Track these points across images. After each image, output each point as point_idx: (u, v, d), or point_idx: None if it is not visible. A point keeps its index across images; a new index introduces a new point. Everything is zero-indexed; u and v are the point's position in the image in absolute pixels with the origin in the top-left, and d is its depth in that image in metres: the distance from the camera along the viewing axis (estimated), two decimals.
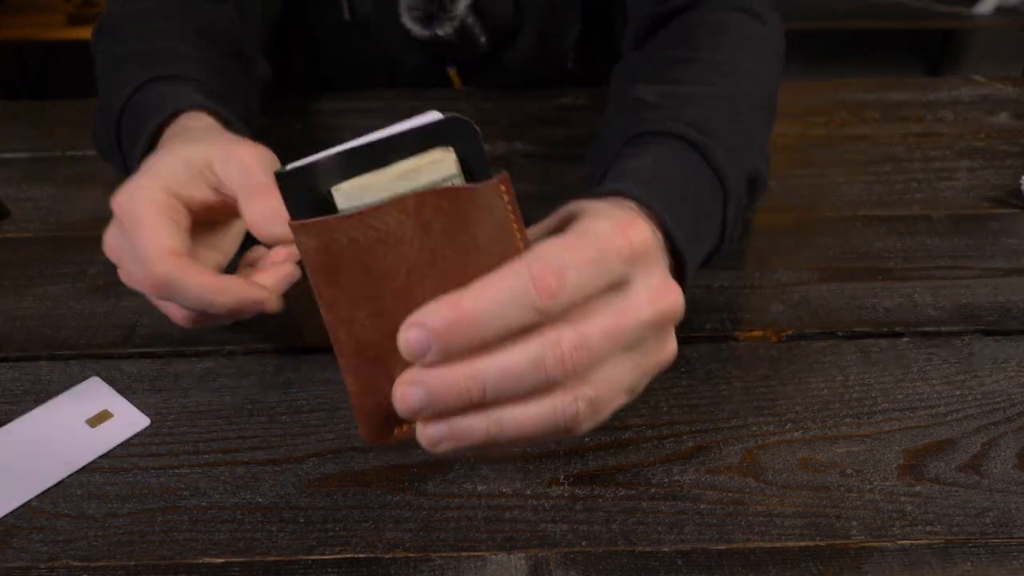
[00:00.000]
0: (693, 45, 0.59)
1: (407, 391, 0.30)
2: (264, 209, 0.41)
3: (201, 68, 0.56)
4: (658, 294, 0.34)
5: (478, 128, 0.31)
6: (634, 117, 0.51)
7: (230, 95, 0.57)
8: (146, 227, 0.41)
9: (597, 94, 0.79)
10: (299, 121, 0.73)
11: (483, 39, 0.76)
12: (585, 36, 0.79)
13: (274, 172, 0.30)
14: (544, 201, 0.65)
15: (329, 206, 0.30)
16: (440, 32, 0.75)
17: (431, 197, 0.30)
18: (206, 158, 0.44)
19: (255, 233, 0.42)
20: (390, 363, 0.31)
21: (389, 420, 0.33)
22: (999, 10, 2.17)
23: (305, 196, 0.30)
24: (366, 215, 0.29)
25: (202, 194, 0.43)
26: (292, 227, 0.30)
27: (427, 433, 0.31)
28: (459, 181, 0.30)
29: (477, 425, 0.31)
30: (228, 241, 0.47)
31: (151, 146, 0.49)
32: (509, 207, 0.31)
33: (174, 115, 0.49)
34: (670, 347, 0.36)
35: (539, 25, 0.78)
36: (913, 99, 0.78)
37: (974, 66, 2.46)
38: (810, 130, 0.73)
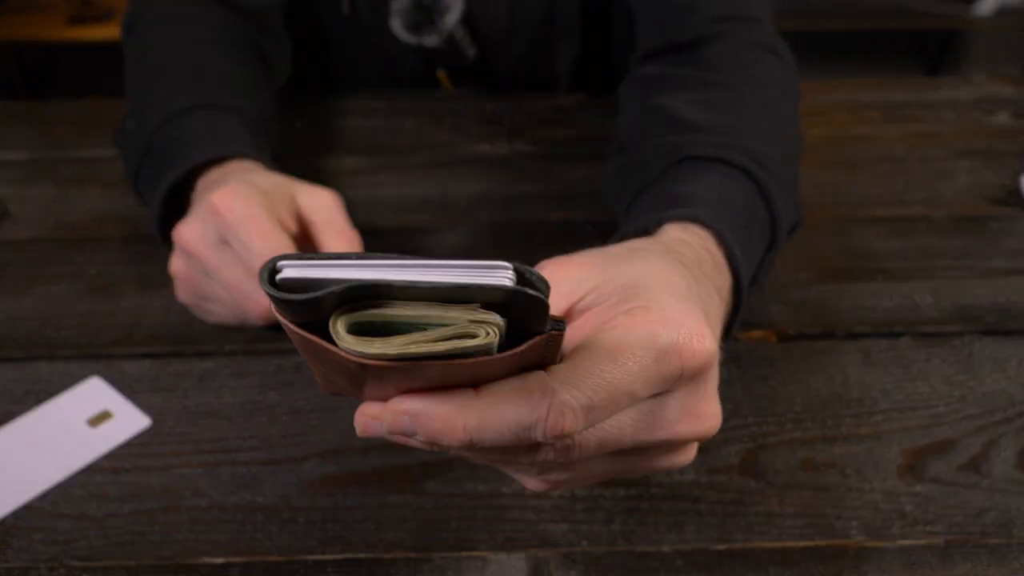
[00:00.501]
0: (725, 75, 0.57)
1: (368, 424, 0.27)
2: (349, 248, 0.47)
3: (239, 91, 0.58)
4: (691, 417, 0.30)
5: (548, 302, 0.24)
6: (679, 136, 0.49)
7: (264, 112, 0.60)
8: (259, 224, 0.43)
9: (597, 95, 0.79)
10: (299, 120, 0.73)
11: (472, 51, 0.76)
12: (582, 54, 0.79)
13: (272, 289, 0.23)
14: (545, 201, 0.65)
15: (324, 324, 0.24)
16: (427, 43, 0.75)
17: (461, 362, 0.24)
18: (289, 186, 0.48)
19: None
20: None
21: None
22: (999, 10, 2.17)
23: (293, 308, 0.23)
24: (400, 367, 0.24)
25: (286, 216, 0.47)
26: (285, 326, 0.24)
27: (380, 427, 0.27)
28: (495, 344, 0.24)
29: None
30: None
31: (188, 179, 0.51)
32: (547, 353, 0.27)
33: (221, 159, 0.51)
34: (684, 459, 0.33)
35: (531, 45, 0.78)
36: (913, 99, 0.78)
37: (974, 66, 2.46)
38: (810, 130, 0.73)
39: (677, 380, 0.29)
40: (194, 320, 0.53)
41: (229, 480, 0.43)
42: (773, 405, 0.47)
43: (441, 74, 0.83)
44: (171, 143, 0.53)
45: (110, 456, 0.44)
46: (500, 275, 0.23)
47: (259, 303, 0.45)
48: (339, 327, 0.23)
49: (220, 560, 0.39)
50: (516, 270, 0.23)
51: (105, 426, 0.46)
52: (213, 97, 0.55)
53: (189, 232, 0.46)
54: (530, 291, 0.23)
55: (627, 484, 0.42)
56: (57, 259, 0.59)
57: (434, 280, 0.23)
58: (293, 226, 0.47)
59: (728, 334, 0.40)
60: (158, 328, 0.52)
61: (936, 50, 2.51)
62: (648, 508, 0.41)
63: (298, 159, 0.63)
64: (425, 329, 0.24)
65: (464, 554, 0.39)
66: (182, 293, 0.49)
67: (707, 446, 0.44)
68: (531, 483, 0.32)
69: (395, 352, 0.23)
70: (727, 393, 0.47)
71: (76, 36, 2.21)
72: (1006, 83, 0.80)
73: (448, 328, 0.24)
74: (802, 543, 0.40)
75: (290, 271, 0.23)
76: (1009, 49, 2.45)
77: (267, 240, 0.43)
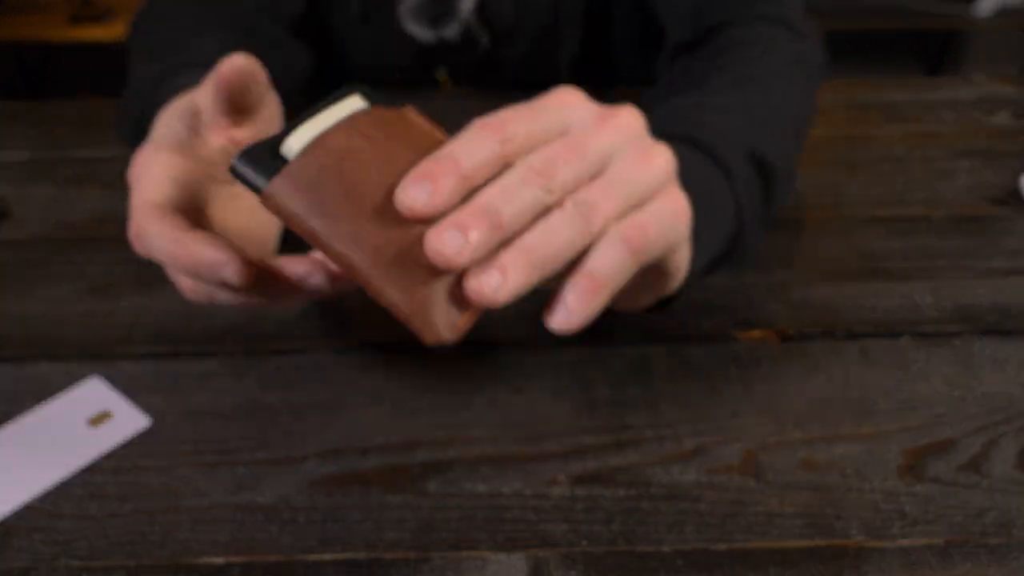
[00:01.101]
0: (720, 60, 0.59)
1: (441, 235, 0.31)
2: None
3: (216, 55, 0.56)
4: (610, 113, 0.35)
5: (369, 88, 0.35)
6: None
7: None
8: (136, 190, 0.41)
9: (597, 95, 0.79)
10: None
11: (484, 40, 0.76)
12: (582, 53, 0.79)
13: (229, 168, 0.32)
14: None
15: (284, 161, 0.32)
16: (447, 34, 0.75)
17: (362, 118, 0.33)
18: (190, 99, 0.43)
19: (217, 81, 0.40)
20: (411, 254, 0.31)
21: (447, 313, 0.32)
22: (999, 10, 2.17)
23: (260, 169, 0.32)
24: (323, 139, 0.32)
25: (198, 129, 0.43)
26: (266, 195, 0.32)
27: (483, 282, 0.31)
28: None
29: (514, 257, 0.32)
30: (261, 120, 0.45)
31: None
32: (430, 123, 0.35)
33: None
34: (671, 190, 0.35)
35: (536, 35, 0.78)
36: (913, 99, 0.78)
37: (974, 66, 2.46)
38: (810, 130, 0.73)
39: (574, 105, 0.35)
40: (194, 320, 0.53)
41: (229, 480, 0.43)
42: (773, 405, 0.47)
43: (441, 75, 0.83)
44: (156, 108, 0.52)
45: (110, 456, 0.44)
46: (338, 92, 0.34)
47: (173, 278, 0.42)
48: (288, 150, 0.32)
49: (220, 560, 0.39)
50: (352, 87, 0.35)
51: (105, 426, 0.46)
52: (192, 60, 0.53)
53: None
54: (354, 85, 0.35)
55: (627, 484, 0.42)
56: (57, 259, 0.59)
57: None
58: (213, 128, 0.43)
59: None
60: (158, 328, 0.52)
61: (936, 50, 2.52)
62: (648, 508, 0.41)
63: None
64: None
65: (464, 554, 0.39)
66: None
67: (707, 446, 0.44)
68: (573, 224, 0.33)
69: (328, 127, 0.32)
70: (727, 393, 0.47)
71: (76, 36, 2.21)
72: (1006, 83, 0.80)
73: (336, 110, 0.34)
74: (802, 543, 0.40)
75: (236, 156, 0.32)
76: (1009, 49, 2.46)
77: (136, 198, 0.41)
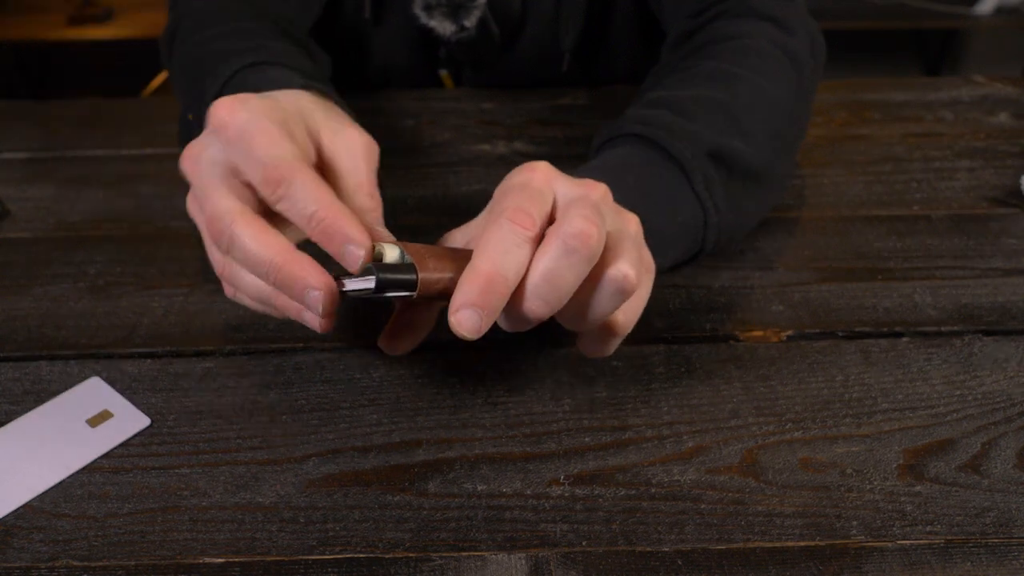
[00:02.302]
0: (699, 54, 0.60)
1: (459, 316, 0.37)
2: (368, 204, 0.43)
3: (296, 57, 0.56)
4: (585, 185, 0.40)
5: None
6: (607, 125, 0.54)
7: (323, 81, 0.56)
8: (265, 133, 0.39)
9: (597, 95, 0.79)
10: None
11: (496, 32, 0.77)
12: (584, 38, 0.79)
13: (376, 285, 0.38)
14: None
15: (408, 267, 0.39)
16: (467, 23, 0.75)
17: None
18: (313, 114, 0.43)
19: (348, 229, 0.39)
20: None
21: None
22: (999, 10, 2.17)
23: (401, 272, 0.39)
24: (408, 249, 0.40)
25: (304, 142, 0.42)
26: (423, 287, 0.39)
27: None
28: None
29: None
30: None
31: None
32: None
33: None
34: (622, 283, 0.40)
35: (540, 24, 0.78)
36: (913, 99, 0.78)
37: (974, 66, 2.46)
38: (810, 130, 0.73)
39: (547, 181, 0.40)
40: (194, 320, 0.53)
41: (229, 480, 0.43)
42: (773, 405, 0.47)
43: (443, 74, 0.83)
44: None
45: (110, 456, 0.44)
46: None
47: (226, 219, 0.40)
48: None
49: (220, 560, 0.39)
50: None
51: (105, 426, 0.46)
52: (269, 58, 0.54)
53: (188, 149, 0.42)
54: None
55: (627, 484, 0.42)
56: (57, 259, 0.59)
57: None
58: (309, 153, 0.42)
59: None
60: (158, 328, 0.52)
61: (936, 50, 2.52)
62: (648, 508, 0.41)
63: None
64: None
65: (464, 554, 0.39)
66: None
67: (707, 446, 0.44)
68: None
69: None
70: (727, 393, 0.47)
71: (76, 36, 2.21)
72: (1006, 83, 0.80)
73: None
74: (802, 543, 0.40)
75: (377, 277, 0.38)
76: (1009, 49, 2.46)
77: (273, 148, 0.39)
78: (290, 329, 0.52)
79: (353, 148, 0.44)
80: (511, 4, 0.76)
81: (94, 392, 0.48)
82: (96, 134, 0.74)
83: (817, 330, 0.52)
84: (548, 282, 0.37)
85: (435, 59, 0.81)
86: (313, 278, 0.38)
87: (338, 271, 0.40)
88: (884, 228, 0.61)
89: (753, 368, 0.49)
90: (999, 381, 0.48)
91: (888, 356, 0.50)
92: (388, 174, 0.68)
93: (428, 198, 0.64)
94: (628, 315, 0.42)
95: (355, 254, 0.39)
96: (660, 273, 0.46)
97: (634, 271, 0.39)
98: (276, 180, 0.39)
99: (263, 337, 0.51)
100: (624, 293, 0.39)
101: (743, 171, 0.52)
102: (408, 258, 0.39)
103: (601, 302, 0.39)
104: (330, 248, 0.39)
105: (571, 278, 0.37)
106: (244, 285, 0.42)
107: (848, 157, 0.69)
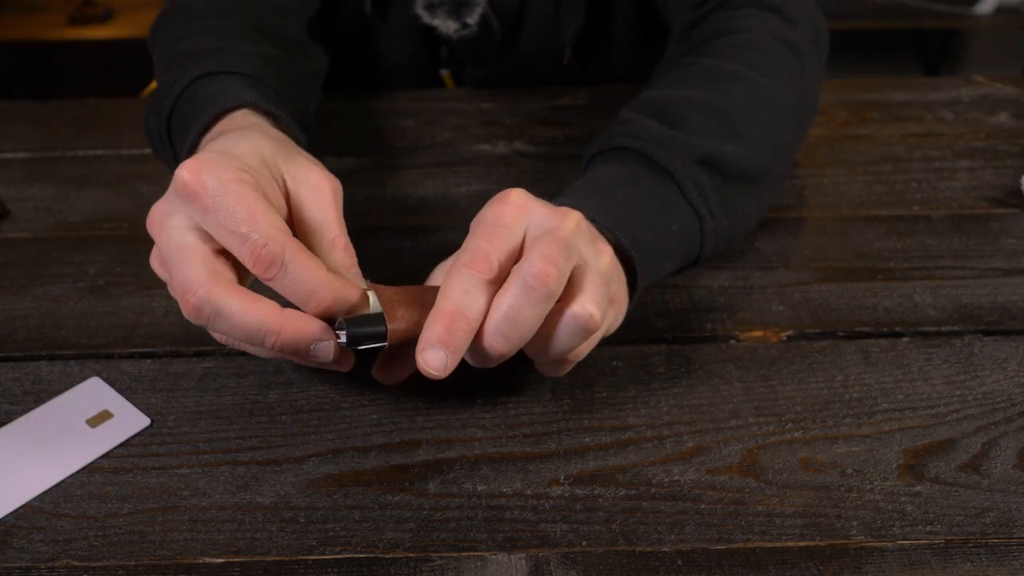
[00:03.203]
0: (700, 49, 0.59)
1: (425, 355, 0.39)
2: (340, 262, 0.42)
3: (255, 63, 0.55)
4: (559, 215, 0.41)
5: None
6: (598, 137, 0.54)
7: (285, 88, 0.56)
8: (241, 202, 0.38)
9: (597, 94, 0.79)
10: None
11: (497, 28, 0.77)
12: (585, 32, 0.79)
13: (345, 342, 0.40)
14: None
15: (377, 318, 0.41)
16: (469, 20, 0.75)
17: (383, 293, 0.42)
18: (277, 163, 0.42)
19: (320, 283, 0.39)
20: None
21: None
22: (999, 10, 2.17)
23: (371, 327, 0.40)
24: (383, 296, 0.42)
25: (277, 199, 0.41)
26: (393, 338, 0.40)
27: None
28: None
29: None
30: None
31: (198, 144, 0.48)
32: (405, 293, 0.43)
33: (223, 113, 0.48)
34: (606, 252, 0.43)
35: (539, 19, 0.78)
36: (913, 99, 0.78)
37: (974, 66, 2.46)
38: (810, 130, 0.73)
39: (514, 216, 0.40)
40: None
41: (229, 480, 0.43)
42: (773, 405, 0.47)
43: (445, 74, 0.83)
44: (182, 117, 0.51)
45: (110, 456, 0.44)
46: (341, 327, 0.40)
47: (192, 289, 0.39)
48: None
49: (220, 560, 0.39)
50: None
51: (105, 426, 0.46)
52: (220, 67, 0.53)
53: (153, 212, 0.41)
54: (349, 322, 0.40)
55: (627, 484, 0.42)
56: (57, 259, 0.59)
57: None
58: (282, 208, 0.42)
59: (634, 289, 0.47)
60: (158, 328, 0.52)
61: (936, 50, 2.52)
62: (648, 508, 0.41)
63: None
64: None
65: (464, 554, 0.39)
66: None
67: (707, 446, 0.44)
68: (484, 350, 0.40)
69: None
70: (727, 393, 0.47)
71: (76, 36, 2.21)
72: (1006, 83, 0.80)
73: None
74: (802, 543, 0.40)
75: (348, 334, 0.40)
76: (1009, 49, 2.46)
77: (257, 221, 0.38)
78: None
79: (320, 195, 0.42)
80: (510, 2, 0.76)
81: (94, 392, 0.48)
82: (96, 134, 0.74)
83: (817, 330, 0.52)
84: (509, 320, 0.38)
85: (436, 59, 0.81)
86: (316, 332, 0.39)
87: None
88: (884, 228, 0.61)
89: (753, 368, 0.49)
90: (999, 381, 0.48)
91: (888, 356, 0.50)
92: (388, 174, 0.68)
93: (428, 198, 0.64)
94: (587, 346, 0.43)
95: (324, 349, 0.40)
96: (661, 280, 0.46)
97: (599, 310, 0.40)
98: (268, 261, 0.38)
99: None
100: (587, 331, 0.40)
101: (738, 174, 0.52)
102: (379, 307, 0.41)
103: (564, 338, 0.40)
104: (323, 317, 0.40)
105: (531, 316, 0.38)
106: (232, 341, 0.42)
107: (848, 157, 0.69)
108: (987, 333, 0.51)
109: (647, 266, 0.47)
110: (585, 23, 0.78)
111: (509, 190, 0.41)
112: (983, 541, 0.39)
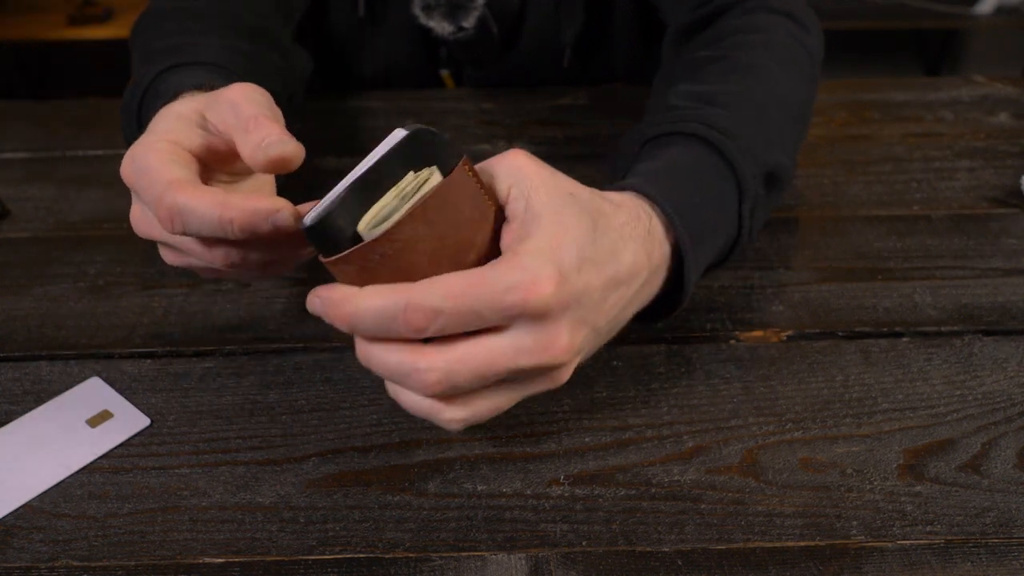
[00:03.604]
0: (723, 45, 0.59)
1: (309, 300, 0.37)
2: (258, 137, 0.38)
3: (220, 53, 0.55)
4: (540, 348, 0.35)
5: (434, 130, 0.36)
6: (653, 119, 0.52)
7: (251, 78, 0.55)
8: (151, 170, 0.39)
9: (597, 94, 0.79)
10: (299, 121, 0.73)
11: (495, 30, 0.77)
12: (585, 32, 0.79)
13: (301, 227, 0.35)
14: None
15: (355, 237, 0.34)
16: (465, 24, 0.75)
17: (430, 201, 0.34)
18: (195, 108, 0.42)
19: (253, 164, 0.38)
20: None
21: None
22: (999, 10, 2.17)
23: (332, 237, 0.34)
24: (390, 233, 0.34)
25: (201, 139, 0.41)
26: (330, 262, 0.35)
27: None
28: (439, 177, 0.35)
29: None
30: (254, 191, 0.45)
31: None
32: (474, 178, 0.36)
33: (178, 95, 0.48)
34: (559, 379, 0.38)
35: (539, 19, 0.78)
36: (913, 99, 0.78)
37: (974, 66, 2.46)
38: (810, 130, 0.73)
39: (520, 314, 0.34)
40: (194, 320, 0.53)
41: (229, 480, 0.43)
42: (773, 405, 0.47)
43: (445, 74, 0.83)
44: (150, 111, 0.51)
45: (110, 456, 0.44)
46: (397, 133, 0.35)
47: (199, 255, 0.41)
48: (363, 230, 0.34)
49: (220, 560, 0.39)
50: (408, 129, 0.35)
51: (104, 426, 0.46)
52: (187, 59, 0.53)
53: (132, 213, 0.44)
54: (419, 127, 0.35)
55: (627, 484, 0.42)
56: (57, 259, 0.59)
57: (373, 162, 0.35)
58: (214, 143, 0.42)
59: (683, 288, 0.44)
60: (158, 328, 0.52)
61: (936, 50, 2.52)
62: (648, 508, 0.41)
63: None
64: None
65: (464, 554, 0.39)
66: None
67: (707, 446, 0.44)
68: (444, 415, 0.37)
69: (397, 211, 0.34)
70: (727, 393, 0.47)
71: (76, 36, 2.21)
72: (1006, 83, 0.80)
73: (412, 188, 0.35)
74: (802, 543, 0.40)
75: (311, 221, 0.34)
76: (1009, 49, 2.45)
77: (158, 177, 0.38)
78: (290, 329, 0.52)
79: (234, 103, 0.40)
80: (510, 1, 0.76)
81: (94, 392, 0.48)
82: (96, 134, 0.74)
83: (817, 330, 0.52)
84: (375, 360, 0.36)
85: (436, 59, 0.81)
86: (266, 204, 0.37)
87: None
88: (884, 228, 0.61)
89: (753, 368, 0.49)
90: (999, 381, 0.48)
91: (888, 356, 0.50)
92: None
93: None
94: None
95: (285, 218, 0.37)
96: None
97: (462, 412, 0.37)
98: (168, 218, 0.38)
99: (263, 337, 0.51)
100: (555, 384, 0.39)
101: (780, 188, 0.51)
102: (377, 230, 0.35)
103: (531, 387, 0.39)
104: (264, 229, 0.37)
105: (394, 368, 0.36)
106: (209, 257, 0.41)
107: (848, 157, 0.69)
108: (987, 333, 0.51)
109: (687, 282, 0.44)
110: (585, 23, 0.78)
111: (552, 287, 0.35)
112: (983, 541, 0.39)
